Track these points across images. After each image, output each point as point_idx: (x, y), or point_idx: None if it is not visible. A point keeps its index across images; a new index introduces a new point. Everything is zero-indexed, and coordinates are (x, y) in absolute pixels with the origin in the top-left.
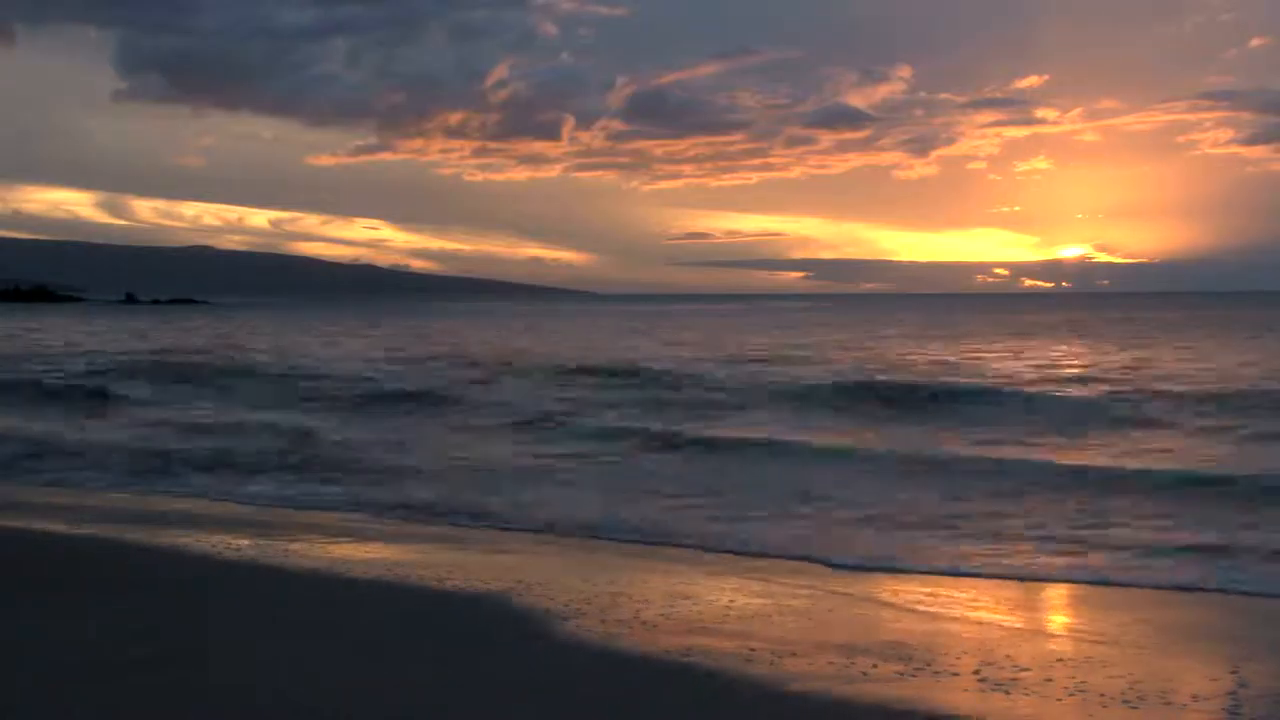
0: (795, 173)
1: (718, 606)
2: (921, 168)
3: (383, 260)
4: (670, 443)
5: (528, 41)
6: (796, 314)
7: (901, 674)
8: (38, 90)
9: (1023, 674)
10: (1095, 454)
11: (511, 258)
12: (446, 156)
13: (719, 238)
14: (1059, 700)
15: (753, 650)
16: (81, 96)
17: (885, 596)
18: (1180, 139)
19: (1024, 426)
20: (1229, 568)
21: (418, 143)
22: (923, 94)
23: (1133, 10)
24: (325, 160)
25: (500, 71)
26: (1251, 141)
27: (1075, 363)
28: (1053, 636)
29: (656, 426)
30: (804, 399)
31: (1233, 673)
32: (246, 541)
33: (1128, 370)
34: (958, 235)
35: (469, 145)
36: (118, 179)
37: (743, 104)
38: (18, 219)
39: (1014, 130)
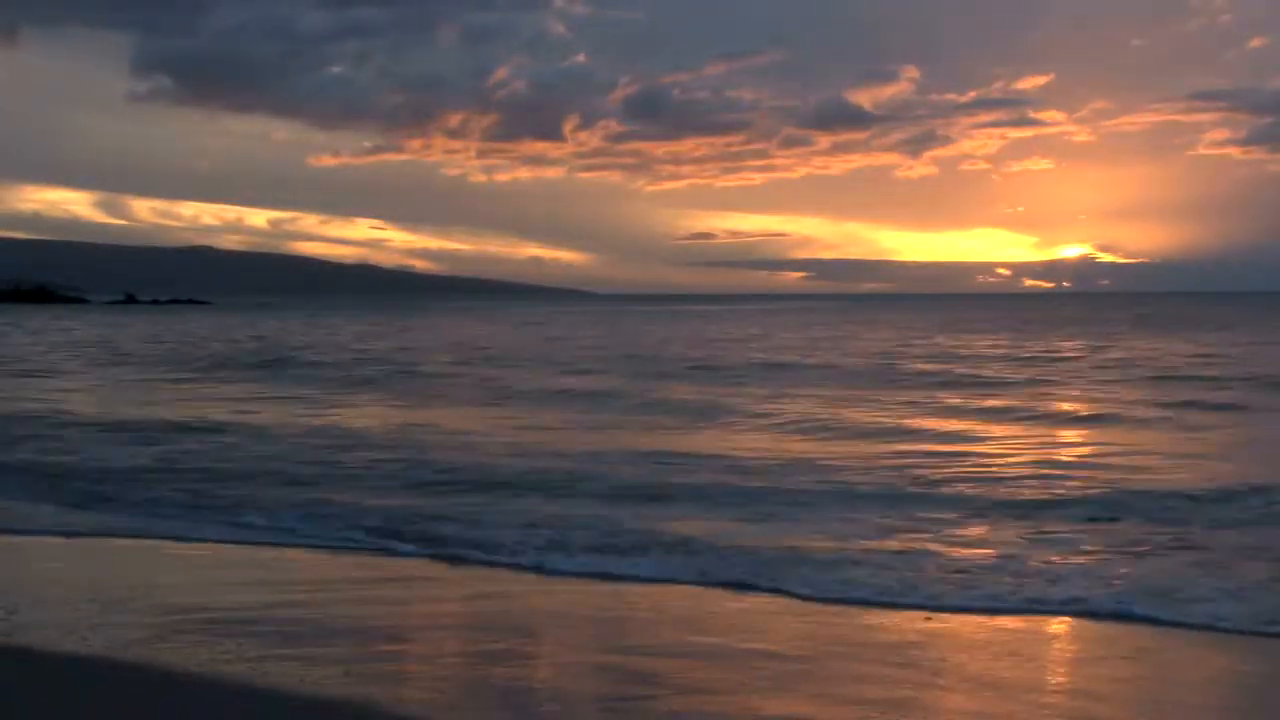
0: (798, 173)
1: None
2: (922, 168)
3: (383, 260)
4: None
5: (536, 44)
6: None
7: None
8: (44, 91)
9: None
10: None
11: (512, 258)
12: (451, 157)
13: (722, 238)
14: None
15: None
16: (90, 99)
17: None
18: (1180, 139)
19: None
20: None
21: (422, 143)
22: (924, 95)
23: (1134, 12)
24: (328, 161)
25: (504, 73)
26: (1249, 141)
27: None
28: None
29: None
30: None
31: None
32: None
33: None
34: (959, 235)
35: (473, 146)
36: (118, 179)
37: (746, 104)
38: (16, 219)
39: (1016, 130)
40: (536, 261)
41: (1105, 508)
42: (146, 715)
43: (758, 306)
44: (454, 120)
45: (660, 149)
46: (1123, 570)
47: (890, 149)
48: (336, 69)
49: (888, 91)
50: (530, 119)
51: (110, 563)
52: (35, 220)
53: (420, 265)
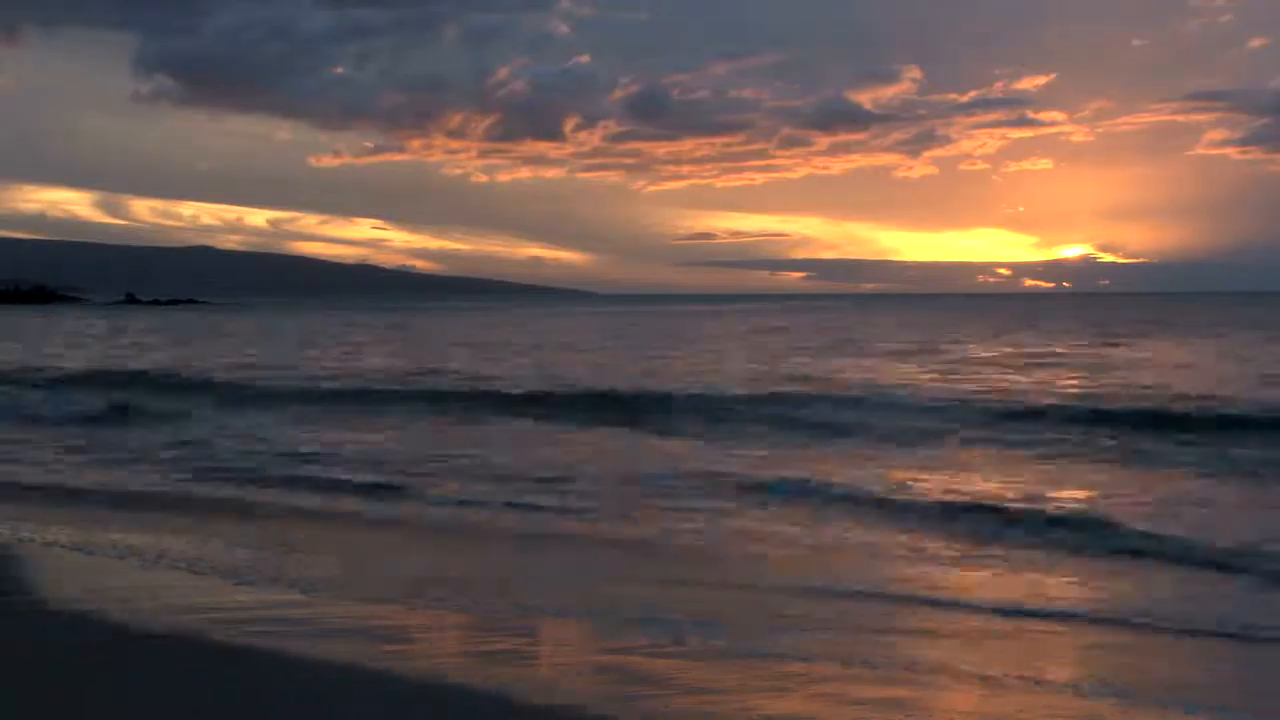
0: (798, 173)
1: None
2: (923, 168)
3: (384, 260)
4: None
5: (537, 45)
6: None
7: None
8: (46, 91)
9: None
10: None
11: (512, 258)
12: (452, 157)
13: (722, 238)
14: None
15: None
16: (92, 99)
17: None
18: (1180, 139)
19: None
20: None
21: (423, 143)
22: (925, 95)
23: (1134, 12)
24: (328, 161)
25: (505, 73)
26: (1248, 141)
27: None
28: None
29: None
30: None
31: None
32: None
33: None
34: (959, 235)
35: (474, 146)
36: (119, 179)
37: (746, 104)
38: (17, 219)
39: (1016, 130)
40: (537, 261)
41: None
42: None
43: (754, 306)
44: (455, 120)
45: (661, 149)
46: None
47: (890, 149)
48: (338, 69)
49: (888, 91)
50: (531, 119)
51: None
52: (36, 220)
53: (421, 265)
